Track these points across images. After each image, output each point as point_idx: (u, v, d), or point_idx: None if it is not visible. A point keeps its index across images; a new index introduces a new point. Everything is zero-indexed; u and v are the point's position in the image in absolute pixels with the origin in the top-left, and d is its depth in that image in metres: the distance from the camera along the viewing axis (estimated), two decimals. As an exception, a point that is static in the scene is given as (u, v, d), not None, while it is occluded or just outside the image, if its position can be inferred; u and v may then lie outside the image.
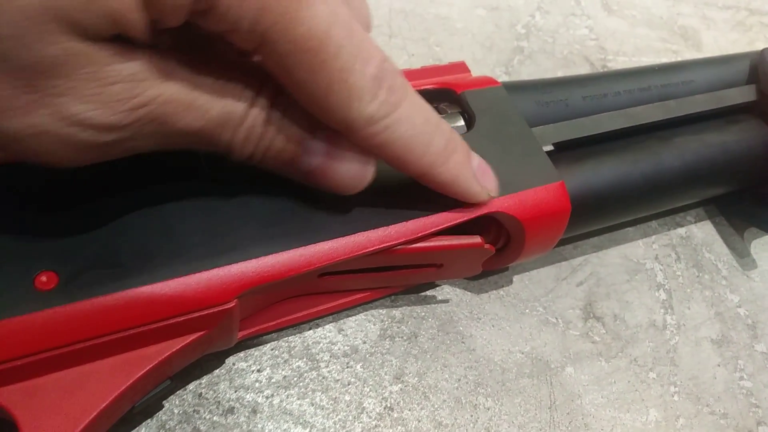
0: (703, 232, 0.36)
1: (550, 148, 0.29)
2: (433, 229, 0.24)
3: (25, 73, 0.15)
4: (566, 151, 0.29)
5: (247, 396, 0.24)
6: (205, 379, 0.24)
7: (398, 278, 0.27)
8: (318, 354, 0.26)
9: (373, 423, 0.25)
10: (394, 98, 0.19)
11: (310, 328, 0.27)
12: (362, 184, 0.21)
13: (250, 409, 0.24)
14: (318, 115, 0.19)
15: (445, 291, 0.29)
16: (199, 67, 0.18)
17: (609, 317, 0.31)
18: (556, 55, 0.42)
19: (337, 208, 0.23)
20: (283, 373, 0.25)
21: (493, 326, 0.29)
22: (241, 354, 0.25)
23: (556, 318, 0.30)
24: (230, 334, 0.22)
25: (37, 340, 0.18)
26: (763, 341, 0.33)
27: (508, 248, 0.27)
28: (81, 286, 0.19)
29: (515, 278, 0.31)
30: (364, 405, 0.25)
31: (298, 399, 0.25)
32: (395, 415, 0.25)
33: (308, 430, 0.24)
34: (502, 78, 0.40)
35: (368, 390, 0.26)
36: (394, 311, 0.28)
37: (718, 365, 0.31)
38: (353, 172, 0.21)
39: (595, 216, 0.30)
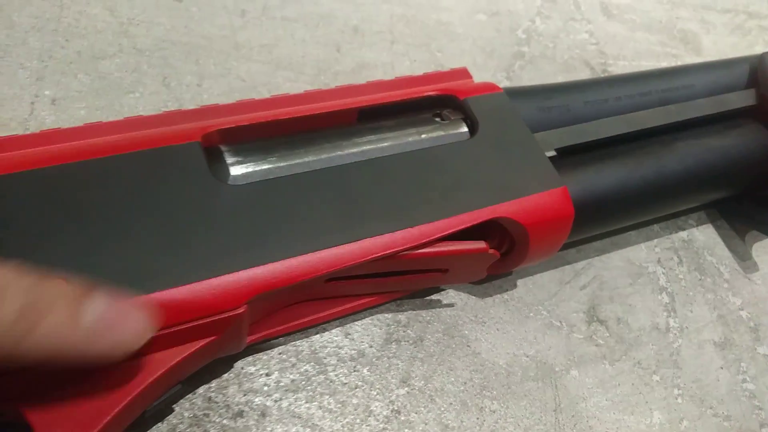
0: (704, 236, 0.37)
1: (552, 153, 0.29)
2: (438, 235, 0.24)
3: None
4: (568, 156, 0.30)
5: (256, 399, 0.25)
6: (214, 383, 0.25)
7: (404, 283, 0.27)
8: (325, 358, 0.26)
9: (381, 426, 0.25)
10: None
11: (317, 333, 0.27)
12: None
13: (259, 413, 0.24)
14: None
15: (450, 295, 0.30)
16: None
17: (612, 320, 0.31)
18: (556, 59, 0.43)
19: (343, 214, 0.23)
20: (291, 377, 0.25)
21: (498, 330, 0.29)
22: (250, 358, 0.26)
23: (560, 321, 0.30)
24: (239, 338, 0.23)
25: None
26: (765, 343, 0.33)
27: (512, 253, 0.27)
28: None
29: (519, 282, 0.31)
30: (372, 408, 0.26)
31: (306, 402, 0.25)
32: (402, 418, 0.26)
33: (316, 434, 0.24)
34: (504, 83, 0.40)
35: (375, 393, 0.26)
36: (399, 315, 0.28)
37: (721, 368, 0.32)
38: None
39: (598, 220, 0.30)
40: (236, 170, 0.23)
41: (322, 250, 0.22)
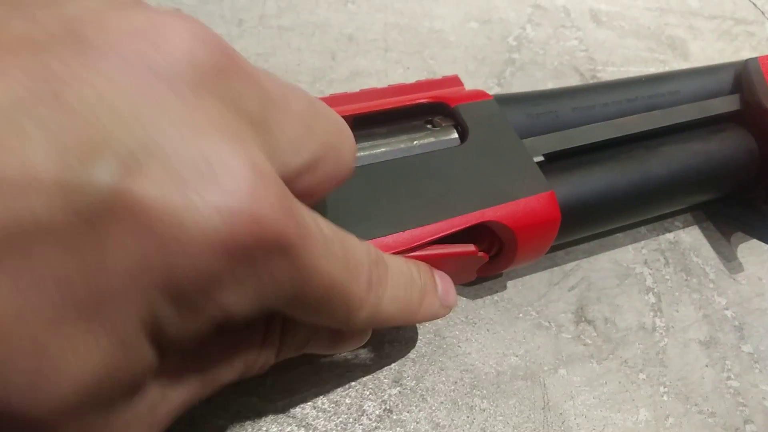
0: (691, 237, 0.37)
1: (540, 158, 0.30)
2: (428, 239, 0.25)
3: None
4: (556, 162, 0.30)
5: (252, 399, 0.25)
6: (211, 384, 0.25)
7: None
8: (319, 359, 0.27)
9: (374, 425, 0.26)
10: (380, 290, 0.20)
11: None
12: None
13: (254, 413, 0.25)
14: (320, 325, 0.21)
15: (441, 297, 0.30)
16: (210, 351, 0.18)
17: (600, 320, 0.32)
18: (547, 66, 0.44)
19: (335, 220, 0.24)
20: (286, 377, 0.26)
21: (488, 330, 0.30)
22: (246, 360, 0.26)
23: (549, 322, 0.31)
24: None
25: None
26: (749, 342, 0.34)
27: (501, 255, 0.28)
28: None
29: (509, 284, 0.32)
30: (364, 407, 0.26)
31: (301, 402, 0.26)
32: (394, 417, 0.26)
33: (311, 432, 0.25)
34: (495, 89, 0.41)
35: (368, 393, 0.27)
36: (392, 317, 0.29)
37: (706, 366, 0.32)
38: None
39: (585, 223, 0.31)
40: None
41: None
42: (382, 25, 0.42)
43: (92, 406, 0.14)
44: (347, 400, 0.26)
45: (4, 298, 0.12)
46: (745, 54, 0.50)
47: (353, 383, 0.27)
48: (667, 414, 0.30)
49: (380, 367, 0.28)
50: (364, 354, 0.28)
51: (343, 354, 0.27)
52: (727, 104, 0.35)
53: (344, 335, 0.23)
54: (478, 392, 0.28)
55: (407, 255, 0.24)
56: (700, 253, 0.37)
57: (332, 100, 0.29)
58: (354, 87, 0.37)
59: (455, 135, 0.29)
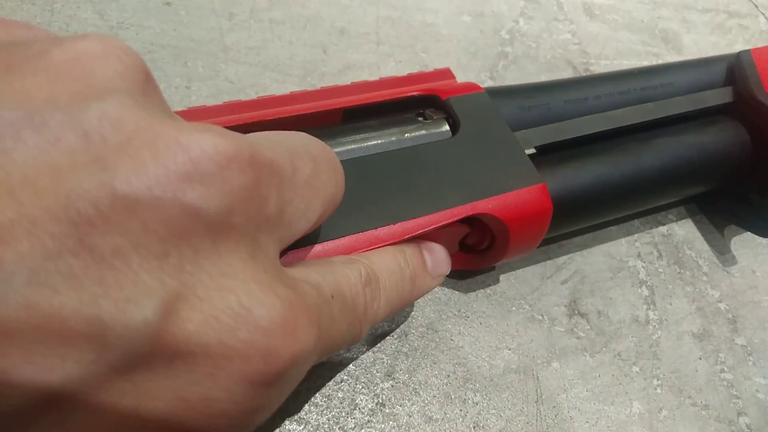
0: (684, 230, 0.37)
1: (532, 151, 0.30)
2: (420, 231, 0.24)
3: None
4: (548, 154, 0.30)
5: (244, 394, 0.25)
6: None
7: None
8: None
9: (366, 418, 0.26)
10: (375, 304, 0.21)
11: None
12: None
13: (246, 407, 0.25)
14: None
15: (433, 290, 0.30)
16: None
17: (593, 313, 0.32)
18: (539, 59, 0.44)
19: None
20: (278, 372, 0.26)
21: (480, 324, 0.30)
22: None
23: (542, 315, 0.31)
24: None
25: None
26: (743, 335, 0.34)
27: (493, 248, 0.28)
28: None
29: (502, 277, 0.32)
30: (357, 401, 0.26)
31: (293, 396, 0.26)
32: (387, 411, 0.26)
33: (303, 426, 0.25)
34: (488, 83, 0.41)
35: (360, 387, 0.27)
36: (384, 311, 0.29)
37: (700, 358, 0.32)
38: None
39: (577, 216, 0.31)
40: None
41: (305, 247, 0.23)
42: (374, 18, 0.42)
43: None
44: (340, 394, 0.26)
45: None
46: (739, 47, 0.50)
47: (345, 377, 0.27)
48: (660, 406, 0.30)
49: (373, 361, 0.27)
50: (357, 348, 0.28)
51: (335, 348, 0.27)
52: (720, 96, 0.35)
53: None
54: (471, 385, 0.28)
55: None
56: (693, 245, 0.37)
57: (323, 93, 0.28)
58: (346, 80, 0.37)
59: (447, 127, 0.28)
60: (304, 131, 0.27)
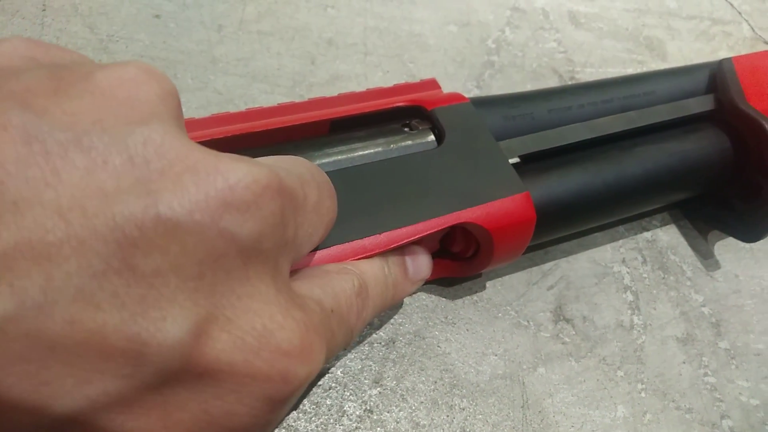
0: (668, 236, 0.38)
1: (516, 160, 0.30)
2: (405, 240, 0.25)
3: None
4: (532, 163, 0.31)
5: (233, 403, 0.26)
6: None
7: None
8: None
9: (354, 425, 0.26)
10: (365, 312, 0.22)
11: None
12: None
13: (236, 416, 0.25)
14: None
15: (421, 297, 0.31)
16: None
17: (578, 319, 0.33)
18: (525, 68, 0.44)
19: None
20: (267, 380, 0.26)
21: (467, 330, 0.30)
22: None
23: (528, 321, 0.32)
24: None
25: None
26: (726, 339, 0.34)
27: (478, 256, 0.28)
28: None
29: (488, 284, 0.32)
30: (345, 408, 0.27)
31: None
32: (375, 417, 0.27)
33: (292, 433, 0.26)
34: (474, 92, 0.41)
35: (348, 394, 0.27)
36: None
37: (683, 362, 0.33)
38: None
39: (561, 223, 0.32)
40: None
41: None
42: (362, 29, 0.42)
43: None
44: (328, 401, 0.27)
45: None
46: (723, 54, 0.51)
47: (333, 384, 0.27)
48: (644, 410, 0.30)
49: (360, 368, 0.28)
50: (345, 355, 0.28)
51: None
52: (702, 104, 0.36)
53: None
54: (458, 391, 0.28)
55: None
56: (677, 251, 0.37)
57: (311, 104, 0.29)
58: (333, 91, 0.37)
59: (432, 138, 0.29)
60: (293, 143, 0.27)
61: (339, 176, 0.26)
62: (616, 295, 0.34)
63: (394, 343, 0.29)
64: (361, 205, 0.25)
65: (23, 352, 0.12)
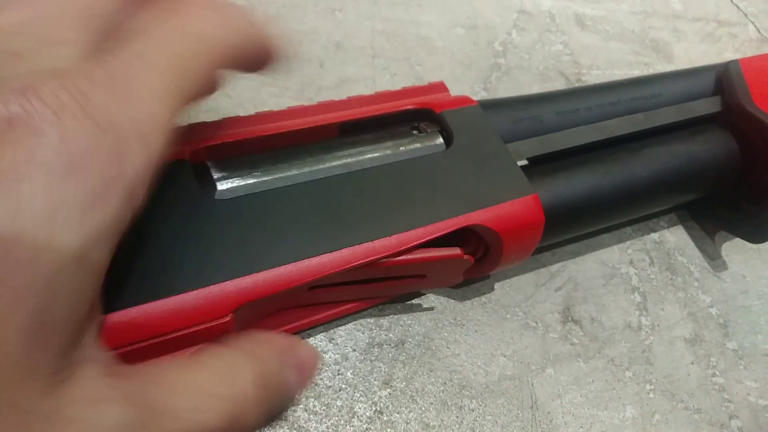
0: (675, 237, 0.38)
1: (524, 162, 0.30)
2: (415, 243, 0.25)
3: None
4: (540, 165, 0.31)
5: (245, 404, 0.26)
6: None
7: (384, 289, 0.28)
8: (311, 362, 0.28)
9: (364, 426, 0.27)
10: None
11: (302, 338, 0.28)
12: None
13: (247, 416, 0.26)
14: None
15: (430, 299, 0.31)
16: None
17: (586, 320, 0.33)
18: (532, 70, 0.44)
19: (325, 225, 0.24)
20: (278, 381, 0.27)
21: (476, 331, 0.31)
22: (238, 364, 0.27)
23: (536, 322, 0.32)
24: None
25: None
26: (734, 339, 0.35)
27: (487, 258, 0.29)
28: None
29: (496, 285, 0.32)
30: (355, 409, 0.27)
31: (292, 405, 0.26)
32: (385, 418, 0.27)
33: (303, 434, 0.26)
34: (481, 94, 0.41)
35: (359, 395, 0.27)
36: (381, 320, 0.30)
37: (692, 363, 0.33)
38: None
39: (569, 225, 0.32)
40: (222, 185, 0.25)
41: (304, 259, 0.23)
42: (370, 32, 0.42)
43: None
44: (338, 403, 0.27)
45: None
46: (729, 55, 0.51)
47: (344, 386, 0.27)
48: (653, 411, 0.31)
49: (370, 369, 0.28)
50: (354, 357, 0.28)
51: (333, 357, 0.28)
52: (708, 106, 0.36)
53: None
54: (467, 392, 0.29)
55: (394, 260, 0.25)
56: (684, 252, 0.37)
57: (320, 108, 0.29)
58: (342, 94, 0.38)
59: (440, 140, 0.29)
60: (301, 145, 0.28)
61: (348, 179, 0.26)
62: (624, 296, 0.34)
63: (403, 344, 0.29)
64: (370, 207, 0.25)
65: None
